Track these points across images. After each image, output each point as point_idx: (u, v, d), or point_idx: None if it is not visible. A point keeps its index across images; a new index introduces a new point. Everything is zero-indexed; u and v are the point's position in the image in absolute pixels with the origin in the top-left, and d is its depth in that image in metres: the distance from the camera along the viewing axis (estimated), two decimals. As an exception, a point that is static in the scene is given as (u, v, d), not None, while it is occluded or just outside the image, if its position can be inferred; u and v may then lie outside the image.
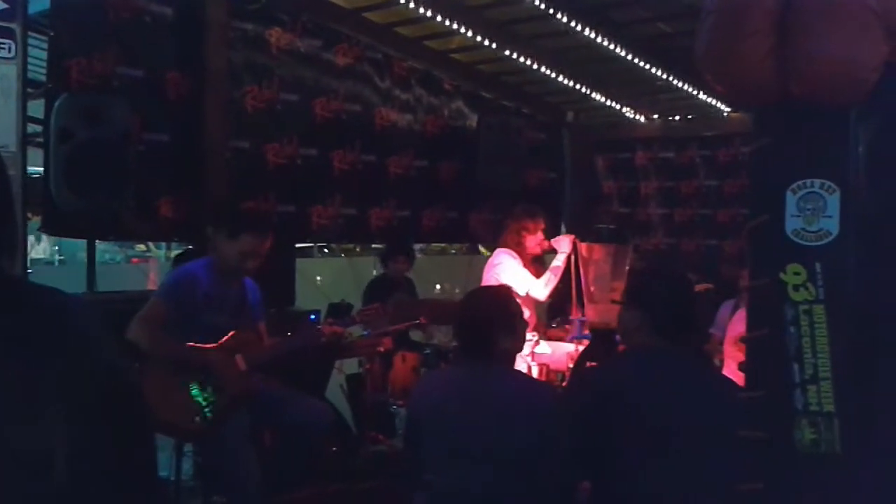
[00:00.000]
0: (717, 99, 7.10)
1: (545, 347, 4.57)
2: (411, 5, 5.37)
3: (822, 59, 1.36)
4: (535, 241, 4.85)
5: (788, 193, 1.46)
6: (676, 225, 7.82)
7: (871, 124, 1.43)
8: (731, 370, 4.92)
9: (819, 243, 1.45)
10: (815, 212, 1.45)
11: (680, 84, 6.70)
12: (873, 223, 1.48)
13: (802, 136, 1.47)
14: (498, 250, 4.99)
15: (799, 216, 1.46)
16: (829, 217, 1.44)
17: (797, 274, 1.47)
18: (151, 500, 1.11)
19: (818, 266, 1.45)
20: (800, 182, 1.46)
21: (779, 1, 1.37)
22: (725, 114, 7.42)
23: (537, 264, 4.96)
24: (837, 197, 1.44)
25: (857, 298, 1.45)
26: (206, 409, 3.50)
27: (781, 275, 1.47)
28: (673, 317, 2.51)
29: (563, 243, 4.66)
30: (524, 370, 4.17)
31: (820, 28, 1.36)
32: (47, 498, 0.90)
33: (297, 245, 6.38)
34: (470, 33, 5.84)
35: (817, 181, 1.45)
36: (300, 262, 6.06)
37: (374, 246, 7.20)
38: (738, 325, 5.41)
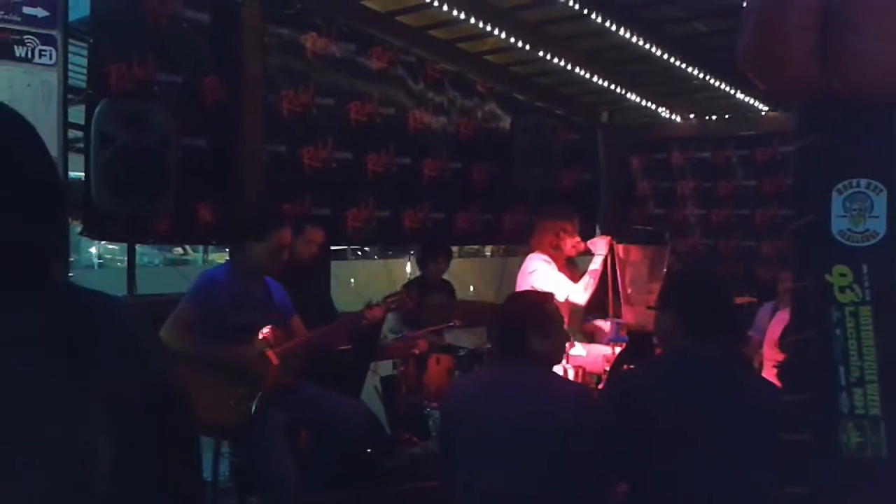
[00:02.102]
0: (758, 98, 7.01)
1: (580, 349, 4.54)
2: (444, 8, 5.38)
3: (867, 57, 1.34)
4: (572, 243, 4.80)
5: (834, 193, 1.44)
6: (714, 226, 7.72)
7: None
8: (771, 373, 4.85)
9: (866, 244, 1.43)
10: (861, 212, 1.42)
11: (716, 83, 6.62)
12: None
13: (848, 135, 1.44)
14: (531, 256, 4.95)
15: (845, 216, 1.43)
16: (876, 217, 1.41)
17: (843, 275, 1.44)
18: None
19: (865, 267, 1.43)
20: (846, 182, 1.43)
21: (821, -2, 1.35)
22: (763, 113, 7.31)
23: (571, 266, 4.92)
24: (884, 197, 1.41)
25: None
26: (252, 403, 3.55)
27: (827, 276, 1.45)
28: (705, 319, 2.49)
29: (600, 245, 4.62)
30: (559, 371, 4.15)
31: (864, 25, 1.34)
32: None
33: (332, 248, 6.41)
34: (503, 35, 5.83)
35: (863, 181, 1.42)
36: (334, 265, 6.09)
37: (409, 249, 7.21)
38: (777, 327, 5.33)
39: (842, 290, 1.45)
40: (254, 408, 3.56)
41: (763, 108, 7.22)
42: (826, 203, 1.47)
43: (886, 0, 1.34)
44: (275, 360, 3.66)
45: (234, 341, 3.64)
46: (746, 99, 7.01)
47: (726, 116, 7.66)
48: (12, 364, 0.87)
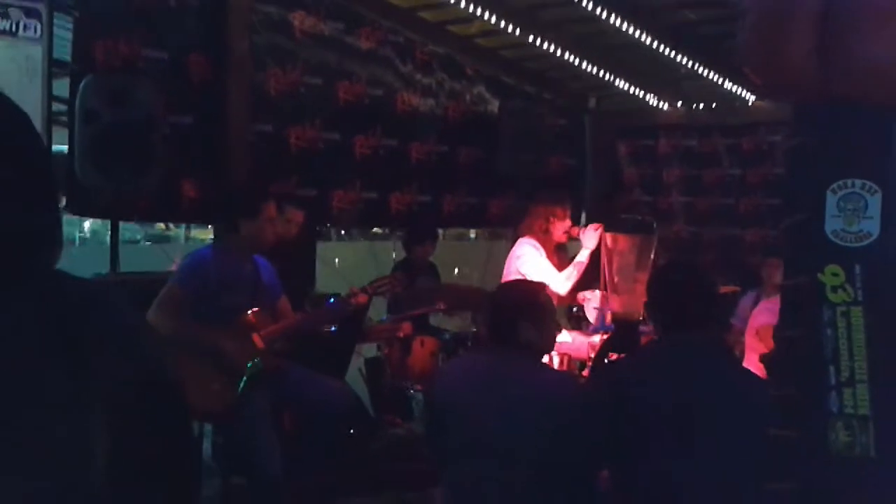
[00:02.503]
0: (745, 87, 7.03)
1: (565, 336, 4.56)
2: (436, -11, 5.35)
3: (867, 60, 1.34)
4: (562, 228, 4.80)
5: (829, 193, 1.44)
6: (698, 214, 7.77)
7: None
8: (752, 361, 4.89)
9: (859, 244, 1.43)
10: (855, 212, 1.43)
11: (704, 72, 6.64)
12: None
13: (844, 135, 1.44)
14: (521, 240, 4.95)
15: (839, 216, 1.44)
16: (870, 218, 1.42)
17: (836, 275, 1.44)
18: (190, 499, 1.11)
19: (857, 268, 1.43)
20: (840, 182, 1.43)
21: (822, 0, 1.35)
22: (750, 103, 7.34)
23: (560, 252, 4.92)
24: (879, 198, 1.41)
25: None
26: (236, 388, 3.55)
27: (819, 275, 1.45)
28: (686, 311, 2.53)
29: (590, 237, 4.62)
30: (545, 359, 4.17)
31: (865, 28, 1.34)
32: (84, 499, 0.90)
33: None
34: (494, 18, 5.80)
35: (858, 181, 1.42)
36: (319, 246, 6.07)
37: (396, 232, 7.19)
38: (760, 316, 5.38)
39: (834, 289, 1.45)
40: (238, 392, 3.54)
41: (750, 97, 7.25)
42: (820, 202, 1.47)
43: (888, 2, 1.34)
44: (260, 345, 3.65)
45: (223, 322, 3.63)
46: (733, 88, 7.04)
47: (713, 105, 7.69)
48: (6, 359, 0.86)
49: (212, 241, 4.01)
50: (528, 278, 4.76)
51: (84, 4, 4.27)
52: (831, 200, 1.45)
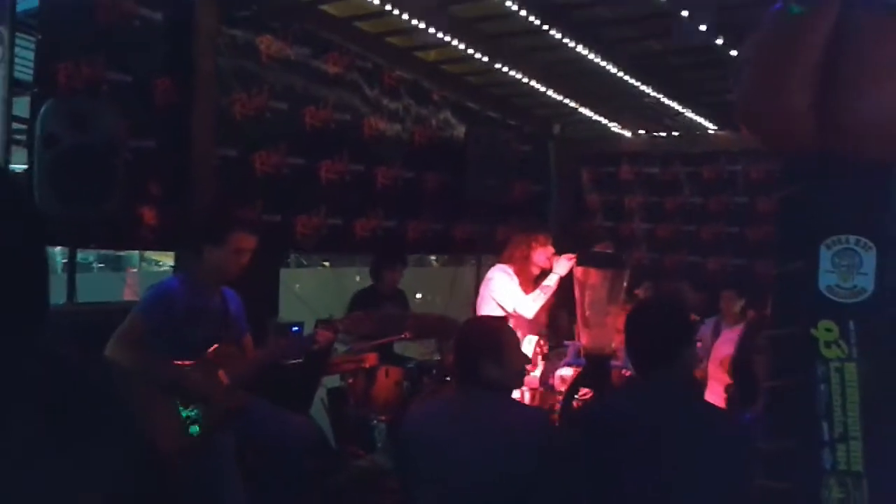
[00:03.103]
0: (706, 117, 7.14)
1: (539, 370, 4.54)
2: (404, 16, 5.33)
3: (866, 115, 1.34)
4: (544, 255, 4.78)
5: (823, 248, 1.44)
6: (660, 240, 7.85)
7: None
8: (716, 392, 4.93)
9: (853, 301, 1.43)
10: (850, 268, 1.43)
11: (667, 101, 6.73)
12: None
13: (840, 191, 1.45)
14: (495, 266, 4.95)
15: (833, 272, 1.43)
16: (865, 274, 1.42)
17: (829, 330, 1.44)
18: None
19: (852, 324, 1.43)
20: (834, 238, 1.43)
21: (823, 54, 1.35)
22: (711, 132, 7.46)
23: (540, 280, 4.89)
24: (874, 254, 1.41)
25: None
26: (193, 427, 3.42)
27: (813, 330, 1.45)
28: (652, 354, 2.52)
29: (562, 265, 4.61)
30: (516, 395, 4.13)
31: (864, 85, 1.34)
32: None
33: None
34: (461, 45, 5.81)
35: (853, 237, 1.42)
36: (282, 273, 5.98)
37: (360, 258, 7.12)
38: (723, 347, 5.45)
39: (828, 345, 1.45)
40: (200, 432, 3.43)
41: (710, 127, 7.37)
42: (813, 256, 1.47)
43: (887, 58, 1.34)
44: (226, 381, 3.55)
45: (188, 356, 3.51)
46: (695, 118, 7.15)
47: (675, 134, 7.79)
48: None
49: (176, 272, 3.88)
50: (499, 302, 4.75)
51: (47, 26, 4.16)
52: (825, 255, 1.45)
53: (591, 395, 3.75)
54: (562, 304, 4.95)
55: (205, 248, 3.68)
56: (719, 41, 4.92)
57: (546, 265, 4.78)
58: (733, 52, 4.95)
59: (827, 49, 1.34)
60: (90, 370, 0.91)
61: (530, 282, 4.83)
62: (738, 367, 3.63)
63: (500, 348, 2.79)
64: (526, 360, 3.14)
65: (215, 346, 3.60)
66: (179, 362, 3.50)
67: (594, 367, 3.73)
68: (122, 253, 14.07)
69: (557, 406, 3.90)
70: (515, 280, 4.80)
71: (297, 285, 7.90)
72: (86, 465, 0.83)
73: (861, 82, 1.34)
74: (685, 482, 2.27)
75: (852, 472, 1.43)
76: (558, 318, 5.20)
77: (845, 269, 1.43)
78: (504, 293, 4.72)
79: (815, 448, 1.45)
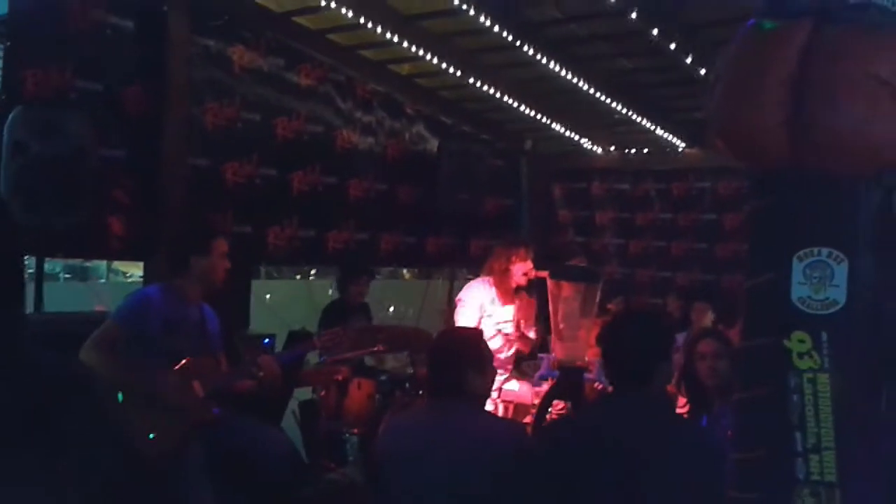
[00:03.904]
0: (676, 135, 7.23)
1: (514, 385, 4.55)
2: (378, 30, 5.34)
3: (837, 133, 1.36)
4: (522, 269, 4.79)
5: (795, 260, 1.45)
6: (631, 256, 7.92)
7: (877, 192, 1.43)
8: (681, 404, 4.96)
9: (825, 312, 1.45)
10: (822, 280, 1.44)
11: (637, 118, 6.81)
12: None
13: (810, 202, 1.47)
14: (473, 280, 4.97)
15: (805, 284, 1.45)
16: (837, 286, 1.43)
17: (802, 342, 1.46)
18: None
19: (824, 335, 1.45)
20: (807, 249, 1.45)
21: (794, 72, 1.37)
22: (680, 149, 7.56)
23: (519, 294, 4.90)
24: (846, 266, 1.43)
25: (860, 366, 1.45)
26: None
27: (786, 341, 1.46)
28: (624, 366, 2.52)
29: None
30: (490, 408, 4.13)
31: (835, 101, 1.36)
32: None
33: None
34: (435, 60, 5.83)
35: (825, 250, 1.44)
36: (254, 285, 5.94)
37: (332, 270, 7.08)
38: (693, 360, 5.47)
39: (800, 356, 1.46)
40: (173, 444, 3.37)
41: (680, 144, 7.46)
42: (786, 268, 1.48)
43: (858, 74, 1.36)
44: (200, 393, 3.50)
45: (163, 366, 3.47)
46: (664, 135, 7.23)
47: (645, 151, 7.88)
48: None
49: (146, 282, 3.83)
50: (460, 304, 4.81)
51: (16, 33, 4.11)
52: (797, 267, 1.46)
53: (564, 407, 3.76)
54: (537, 318, 4.96)
55: (191, 259, 3.68)
56: (689, 60, 5.00)
57: (522, 281, 4.79)
58: (703, 71, 5.03)
59: (799, 64, 1.37)
60: (69, 374, 0.89)
61: (509, 294, 4.84)
62: (685, 375, 3.67)
63: (482, 358, 2.83)
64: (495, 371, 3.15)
65: (191, 357, 3.55)
66: (154, 371, 3.45)
67: (568, 380, 3.74)
68: (89, 264, 13.88)
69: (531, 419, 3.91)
70: (493, 291, 4.81)
71: (268, 296, 7.84)
72: (66, 464, 0.82)
73: (833, 97, 1.37)
74: (659, 499, 2.26)
75: (826, 482, 1.44)
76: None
77: (817, 280, 1.45)
78: (461, 315, 4.76)
79: (788, 458, 1.46)
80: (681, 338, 6.28)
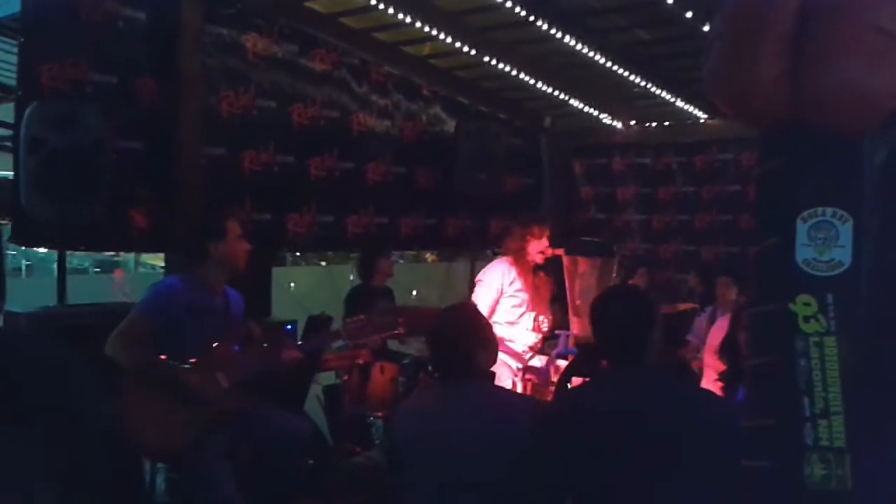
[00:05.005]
0: (697, 107, 7.13)
1: (535, 361, 4.54)
2: (390, 11, 5.31)
3: (837, 85, 1.32)
4: (538, 248, 4.76)
5: (799, 221, 1.42)
6: (654, 231, 7.85)
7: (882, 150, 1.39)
8: (711, 379, 4.91)
9: (831, 274, 1.41)
10: (826, 241, 1.41)
11: (657, 91, 6.72)
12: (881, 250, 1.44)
13: (814, 162, 1.43)
14: (495, 261, 4.95)
15: (810, 245, 1.42)
16: (842, 247, 1.40)
17: (808, 305, 1.42)
18: None
19: (830, 297, 1.41)
20: (811, 210, 1.41)
21: (792, 25, 1.33)
22: (702, 121, 7.46)
23: (536, 273, 4.88)
24: (850, 226, 1.40)
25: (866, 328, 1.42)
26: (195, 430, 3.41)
27: (791, 305, 1.43)
28: (617, 349, 2.50)
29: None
30: (510, 385, 4.12)
31: (834, 53, 1.32)
32: None
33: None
34: (449, 39, 5.79)
35: (829, 209, 1.41)
36: (275, 271, 5.96)
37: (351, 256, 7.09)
38: (717, 334, 5.41)
39: (806, 319, 1.43)
40: (196, 434, 3.41)
41: (701, 116, 7.36)
42: (790, 230, 1.45)
43: (856, 29, 1.32)
44: (224, 384, 3.52)
45: (187, 357, 3.49)
46: (685, 107, 7.13)
47: (666, 124, 7.78)
48: None
49: (167, 273, 3.86)
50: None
51: (29, 28, 4.14)
52: (802, 229, 1.43)
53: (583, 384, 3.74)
54: (555, 295, 4.94)
55: (209, 246, 3.69)
56: (706, 28, 4.91)
57: (539, 259, 4.77)
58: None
59: (798, 17, 1.33)
60: (45, 356, 0.90)
61: (528, 272, 4.82)
62: (727, 348, 3.62)
63: (486, 333, 2.83)
64: None
65: (215, 346, 3.58)
66: (178, 362, 3.47)
67: (585, 356, 3.72)
68: (118, 258, 14.07)
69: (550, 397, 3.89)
70: (513, 271, 4.80)
71: (292, 284, 7.88)
72: (40, 444, 0.82)
73: (833, 49, 1.33)
74: (670, 467, 2.24)
75: (834, 447, 1.41)
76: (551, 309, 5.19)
77: (822, 242, 1.41)
78: (478, 296, 4.75)
79: (796, 424, 1.43)
80: (705, 314, 6.25)
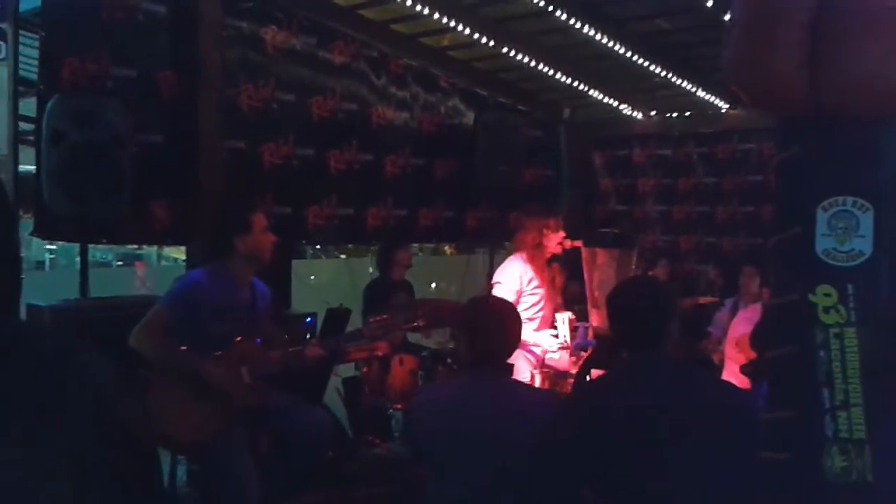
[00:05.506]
0: (718, 96, 7.06)
1: (554, 353, 4.52)
2: (408, 2, 5.31)
3: (856, 73, 1.31)
4: (555, 240, 4.73)
5: (819, 211, 1.40)
6: (674, 222, 7.79)
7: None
8: (732, 371, 4.88)
9: (851, 264, 1.40)
10: (846, 231, 1.39)
11: (677, 81, 6.66)
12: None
13: (834, 151, 1.41)
14: (510, 258, 4.91)
15: (830, 235, 1.40)
16: (862, 237, 1.38)
17: (828, 295, 1.41)
18: None
19: (850, 287, 1.40)
20: (831, 199, 1.40)
21: (811, 13, 1.31)
22: (723, 111, 7.38)
23: (550, 265, 4.85)
24: (871, 216, 1.38)
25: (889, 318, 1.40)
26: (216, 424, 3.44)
27: (811, 296, 1.42)
28: (630, 336, 2.48)
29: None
30: (529, 377, 4.12)
31: (854, 41, 1.30)
32: None
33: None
34: (467, 30, 5.77)
35: (849, 199, 1.39)
36: (295, 264, 5.98)
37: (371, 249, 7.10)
38: (738, 326, 5.39)
39: (826, 310, 1.42)
40: (218, 427, 3.43)
41: (723, 106, 7.29)
42: (810, 220, 1.43)
43: (876, 15, 1.30)
44: (247, 379, 3.54)
45: (212, 349, 3.51)
46: (706, 97, 7.07)
47: (686, 114, 7.72)
48: None
49: (188, 266, 3.87)
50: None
51: (50, 23, 4.16)
52: (822, 218, 1.41)
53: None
54: (562, 289, 4.91)
55: (235, 239, 3.70)
56: (727, 16, 4.86)
57: (557, 250, 4.73)
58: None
59: (814, 7, 1.31)
60: (65, 351, 0.90)
61: (543, 267, 4.78)
62: (758, 339, 3.58)
63: (518, 326, 2.82)
64: None
65: (238, 340, 3.60)
66: (203, 355, 3.50)
67: (604, 348, 3.71)
68: (140, 251, 14.19)
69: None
70: (529, 269, 4.75)
71: (312, 277, 7.91)
72: (52, 437, 0.83)
73: (852, 38, 1.31)
74: (688, 458, 2.23)
75: (854, 439, 1.39)
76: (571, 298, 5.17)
77: (842, 231, 1.39)
78: (500, 287, 4.71)
79: (816, 416, 1.42)
80: (727, 307, 6.22)
